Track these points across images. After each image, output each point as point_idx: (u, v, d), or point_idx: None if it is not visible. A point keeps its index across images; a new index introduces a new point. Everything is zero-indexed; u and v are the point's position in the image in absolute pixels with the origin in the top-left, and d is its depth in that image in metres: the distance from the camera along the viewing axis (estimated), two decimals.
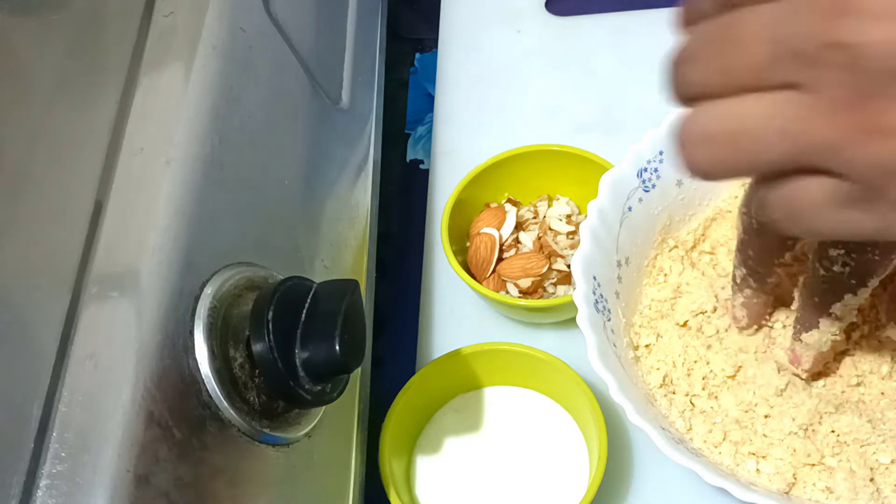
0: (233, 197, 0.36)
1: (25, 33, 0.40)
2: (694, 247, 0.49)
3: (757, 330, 0.44)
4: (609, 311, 0.44)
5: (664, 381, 0.45)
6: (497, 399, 0.48)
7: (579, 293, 0.43)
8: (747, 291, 0.42)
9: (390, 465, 0.43)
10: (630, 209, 0.47)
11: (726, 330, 0.46)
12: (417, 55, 0.69)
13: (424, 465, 0.46)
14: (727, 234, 0.49)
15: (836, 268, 0.35)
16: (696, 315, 0.46)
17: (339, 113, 0.49)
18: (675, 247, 0.49)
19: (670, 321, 0.47)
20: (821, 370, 0.43)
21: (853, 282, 0.36)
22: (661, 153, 0.47)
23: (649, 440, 0.39)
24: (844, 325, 0.39)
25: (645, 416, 0.40)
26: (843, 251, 0.35)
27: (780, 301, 0.44)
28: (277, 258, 0.38)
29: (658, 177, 0.48)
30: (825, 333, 0.39)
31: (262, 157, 0.39)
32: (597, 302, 0.43)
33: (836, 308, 0.37)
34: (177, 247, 0.32)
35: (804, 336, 0.40)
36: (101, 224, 0.32)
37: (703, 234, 0.49)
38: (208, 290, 0.33)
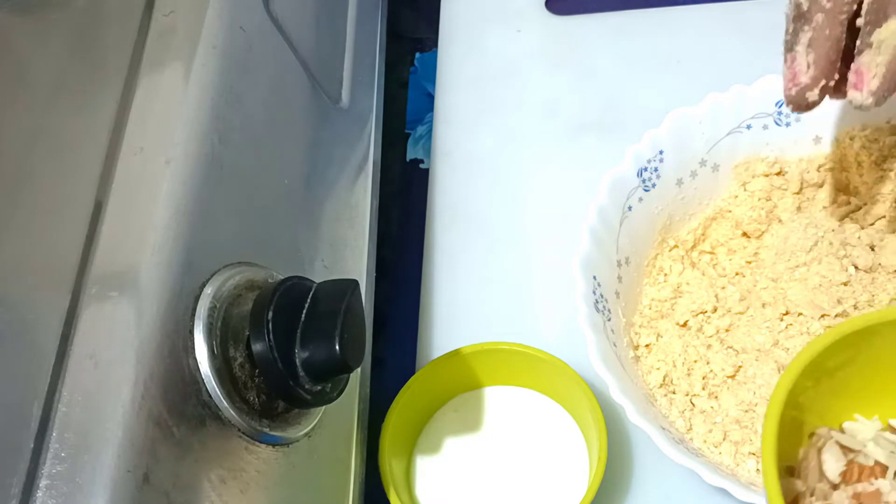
0: (233, 197, 0.36)
1: (25, 33, 0.39)
2: (694, 246, 0.49)
3: (822, 91, 0.36)
4: (609, 310, 0.44)
5: (664, 380, 0.45)
6: (497, 399, 0.48)
7: (579, 293, 0.43)
8: (819, 18, 0.35)
9: (390, 465, 0.43)
10: (630, 209, 0.47)
11: (727, 330, 0.46)
12: (417, 55, 0.69)
13: (424, 465, 0.46)
14: (727, 233, 0.49)
15: None
16: (696, 315, 0.46)
17: (339, 113, 0.49)
18: (675, 246, 0.49)
19: (670, 321, 0.47)
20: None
21: None
22: (660, 153, 0.47)
23: (649, 440, 0.39)
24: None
25: (645, 415, 0.40)
26: None
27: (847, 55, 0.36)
28: (277, 258, 0.38)
29: (658, 176, 0.48)
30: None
31: (262, 157, 0.39)
32: (597, 302, 0.43)
33: None
34: (177, 247, 0.32)
35: (876, 33, 0.34)
36: (101, 224, 0.32)
37: (703, 234, 0.49)
38: (208, 290, 0.33)
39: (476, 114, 0.62)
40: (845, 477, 0.36)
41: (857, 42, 0.35)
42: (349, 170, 0.49)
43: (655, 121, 0.48)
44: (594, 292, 0.44)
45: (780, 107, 0.48)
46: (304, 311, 0.34)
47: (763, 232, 0.49)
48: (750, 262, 0.48)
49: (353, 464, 0.41)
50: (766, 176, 0.49)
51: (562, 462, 0.45)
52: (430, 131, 0.63)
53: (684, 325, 0.46)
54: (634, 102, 0.59)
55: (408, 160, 0.64)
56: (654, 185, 0.47)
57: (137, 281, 0.31)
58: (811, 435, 0.38)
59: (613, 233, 0.46)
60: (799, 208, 0.49)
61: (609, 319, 0.44)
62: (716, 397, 0.44)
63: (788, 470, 0.37)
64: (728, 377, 0.44)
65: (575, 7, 0.66)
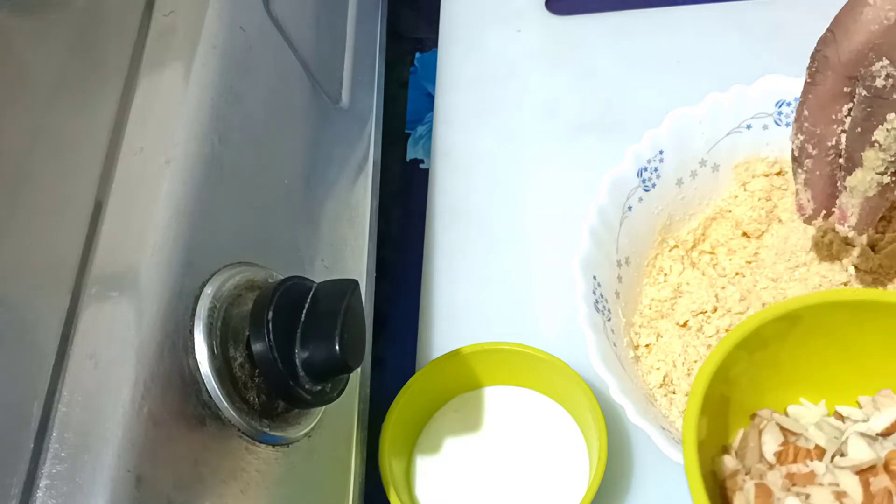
0: (233, 197, 0.36)
1: (25, 33, 0.39)
2: (694, 246, 0.49)
3: (826, 217, 0.41)
4: (609, 310, 0.44)
5: (664, 380, 0.45)
6: (497, 399, 0.48)
7: (579, 293, 0.43)
8: (808, 163, 0.40)
9: (390, 465, 0.43)
10: (630, 209, 0.47)
11: (727, 330, 0.46)
12: (417, 55, 0.69)
13: (424, 465, 0.46)
14: (727, 233, 0.49)
15: (878, 82, 0.35)
16: (696, 315, 0.46)
17: (339, 113, 0.49)
18: (675, 246, 0.49)
19: (670, 321, 0.47)
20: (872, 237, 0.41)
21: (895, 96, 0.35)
22: (660, 153, 0.47)
23: (649, 440, 0.39)
24: (889, 159, 0.37)
25: (645, 415, 0.40)
26: (887, 62, 0.35)
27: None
28: (277, 258, 0.38)
29: (658, 176, 0.48)
30: (869, 171, 0.37)
31: (262, 156, 0.39)
32: (597, 302, 0.43)
33: (879, 134, 0.36)
34: (177, 247, 0.32)
35: (848, 180, 0.38)
36: (101, 224, 0.32)
37: (703, 234, 0.49)
38: (208, 290, 0.33)
39: (476, 114, 0.62)
40: (780, 457, 0.36)
41: (838, 182, 0.40)
42: (349, 170, 0.49)
43: (655, 121, 0.48)
44: (594, 292, 0.44)
45: (780, 107, 0.48)
46: (304, 311, 0.34)
47: (763, 232, 0.49)
48: (750, 262, 0.48)
49: (353, 464, 0.41)
50: (766, 176, 0.49)
51: (562, 462, 0.45)
52: (430, 131, 0.63)
53: (684, 325, 0.46)
54: (634, 102, 0.59)
55: (408, 160, 0.64)
56: (654, 185, 0.47)
57: (137, 281, 0.31)
58: (753, 416, 0.39)
59: (613, 233, 0.46)
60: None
61: (609, 319, 0.44)
62: None
63: (724, 449, 0.38)
64: None
65: (575, 7, 0.66)
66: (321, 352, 0.33)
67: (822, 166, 0.40)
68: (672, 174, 0.48)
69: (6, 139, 0.36)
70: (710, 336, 0.46)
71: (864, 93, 0.36)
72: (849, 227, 0.39)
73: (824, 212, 0.41)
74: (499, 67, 0.63)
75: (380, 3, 0.61)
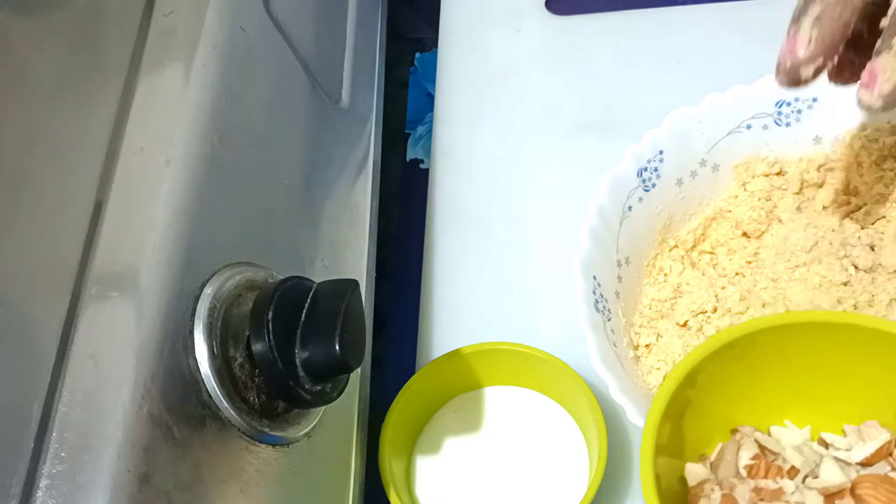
0: (233, 197, 0.36)
1: (25, 33, 0.39)
2: (694, 246, 0.49)
3: (817, 70, 0.35)
4: (609, 311, 0.44)
5: (664, 380, 0.45)
6: (497, 399, 0.48)
7: (579, 293, 0.43)
8: (817, 3, 0.35)
9: (390, 465, 0.43)
10: (630, 209, 0.47)
11: None
12: (417, 55, 0.69)
13: (424, 465, 0.46)
14: (727, 233, 0.49)
15: None
16: (696, 315, 0.46)
17: (339, 113, 0.49)
18: (675, 246, 0.49)
19: (670, 321, 0.47)
20: None
21: None
22: (660, 153, 0.47)
23: None
24: None
25: (645, 416, 0.40)
26: None
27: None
28: (277, 258, 0.38)
29: (658, 176, 0.48)
30: None
31: (262, 157, 0.39)
32: (597, 302, 0.43)
33: None
34: (177, 247, 0.32)
35: None
36: (101, 224, 0.32)
37: (703, 234, 0.49)
38: (208, 290, 0.33)
39: (476, 114, 0.62)
40: (751, 471, 0.37)
41: (878, 42, 0.34)
42: (349, 170, 0.49)
43: (655, 121, 0.48)
44: (594, 292, 0.44)
45: (779, 107, 0.48)
46: (304, 311, 0.34)
47: (763, 232, 0.49)
48: (750, 262, 0.48)
49: (353, 464, 0.41)
50: (766, 176, 0.49)
51: (562, 462, 0.45)
52: (430, 131, 0.63)
53: (684, 325, 0.46)
54: (634, 102, 0.59)
55: (408, 160, 0.64)
56: (654, 185, 0.47)
57: (137, 281, 0.31)
58: (734, 431, 0.39)
59: (613, 233, 0.46)
60: (799, 208, 0.48)
61: (609, 319, 0.44)
62: None
63: (701, 458, 0.39)
64: None
65: (575, 7, 0.66)
66: (321, 352, 0.33)
67: (846, 6, 0.34)
68: (672, 174, 0.48)
69: (6, 139, 0.36)
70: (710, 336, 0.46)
71: None
72: (879, 94, 0.34)
73: (820, 60, 0.35)
74: (499, 67, 0.63)
75: (380, 3, 0.61)
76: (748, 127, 0.49)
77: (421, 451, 0.47)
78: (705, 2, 0.63)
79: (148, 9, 0.38)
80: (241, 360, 0.33)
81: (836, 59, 0.35)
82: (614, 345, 0.43)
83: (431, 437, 0.47)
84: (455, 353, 0.46)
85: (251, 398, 0.33)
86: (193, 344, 0.31)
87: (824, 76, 0.37)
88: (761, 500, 0.36)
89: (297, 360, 0.33)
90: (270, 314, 0.32)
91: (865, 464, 0.37)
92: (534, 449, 0.46)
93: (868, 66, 0.34)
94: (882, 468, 0.37)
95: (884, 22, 0.35)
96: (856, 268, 0.45)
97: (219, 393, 0.32)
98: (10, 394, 0.29)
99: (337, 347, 0.32)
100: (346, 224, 0.47)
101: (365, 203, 0.50)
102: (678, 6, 0.63)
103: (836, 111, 0.48)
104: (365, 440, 0.43)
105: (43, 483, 0.27)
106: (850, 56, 0.37)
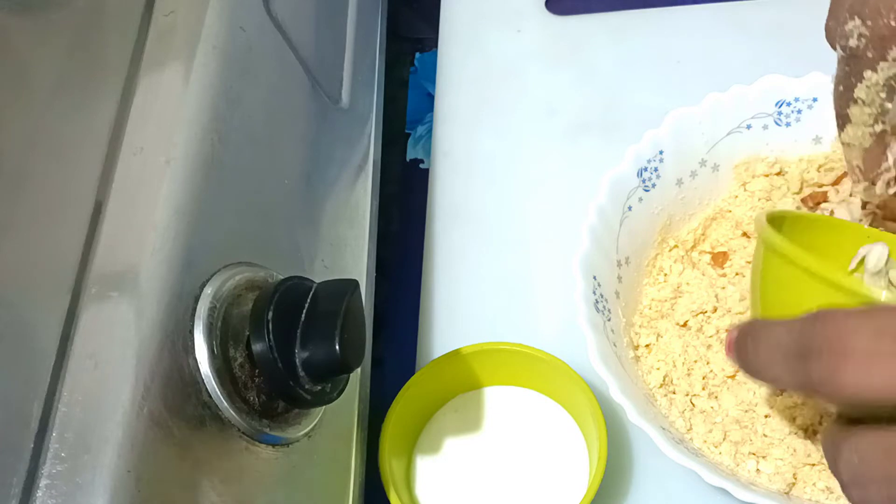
0: (233, 197, 0.36)
1: (25, 33, 0.39)
2: (694, 246, 0.49)
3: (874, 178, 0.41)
4: (609, 310, 0.44)
5: (664, 380, 0.45)
6: (497, 399, 0.48)
7: (579, 293, 0.43)
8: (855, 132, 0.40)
9: (390, 465, 0.43)
10: (630, 209, 0.47)
11: (727, 330, 0.46)
12: (417, 55, 0.69)
13: (424, 465, 0.46)
14: (727, 233, 0.49)
15: (851, 42, 0.36)
16: (696, 315, 0.46)
17: (339, 113, 0.49)
18: (675, 246, 0.49)
19: (670, 321, 0.47)
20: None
21: (870, 55, 0.36)
22: (661, 153, 0.47)
23: (649, 440, 0.39)
24: (874, 112, 0.38)
25: (645, 415, 0.40)
26: (859, 21, 0.36)
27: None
28: (277, 258, 0.38)
29: (658, 176, 0.48)
30: (858, 126, 0.39)
31: (262, 157, 0.39)
32: (597, 302, 0.43)
33: (860, 91, 0.37)
34: (177, 247, 0.32)
35: (842, 136, 0.40)
36: (101, 224, 0.32)
37: (703, 234, 0.49)
38: (208, 290, 0.33)
39: (476, 114, 0.62)
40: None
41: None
42: (349, 170, 0.49)
43: (655, 121, 0.48)
44: (594, 292, 0.44)
45: (779, 107, 0.48)
46: (304, 311, 0.34)
47: None
48: (750, 262, 0.48)
49: (353, 464, 0.41)
50: (766, 176, 0.49)
51: (562, 462, 0.45)
52: (430, 131, 0.63)
53: (684, 325, 0.46)
54: (634, 102, 0.59)
55: (408, 160, 0.64)
56: (654, 185, 0.48)
57: (137, 281, 0.31)
58: None
59: (613, 233, 0.46)
60: (799, 208, 0.49)
61: (609, 319, 0.44)
62: (716, 397, 0.44)
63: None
64: (728, 377, 0.44)
65: (575, 7, 0.66)
66: (321, 352, 0.33)
67: (873, 138, 0.40)
68: (672, 174, 0.48)
69: (6, 139, 0.36)
70: (710, 336, 0.46)
71: (841, 53, 0.37)
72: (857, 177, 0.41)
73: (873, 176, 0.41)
74: (499, 67, 0.63)
75: (380, 3, 0.61)
76: (748, 127, 0.49)
77: (421, 451, 0.47)
78: (705, 2, 0.63)
79: (148, 9, 0.38)
80: (241, 360, 0.33)
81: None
82: (614, 345, 0.43)
83: (431, 437, 0.47)
84: (455, 353, 0.46)
85: (251, 398, 0.33)
86: (193, 344, 0.31)
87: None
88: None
89: (297, 360, 0.33)
90: (270, 314, 0.32)
91: None
92: (534, 449, 0.46)
93: (846, 160, 0.41)
94: None
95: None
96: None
97: (219, 393, 0.32)
98: (10, 394, 0.29)
99: (337, 347, 0.32)
100: (346, 224, 0.47)
101: (365, 203, 0.50)
102: (678, 6, 0.63)
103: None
104: (365, 440, 0.43)
105: (43, 483, 0.27)
106: None
